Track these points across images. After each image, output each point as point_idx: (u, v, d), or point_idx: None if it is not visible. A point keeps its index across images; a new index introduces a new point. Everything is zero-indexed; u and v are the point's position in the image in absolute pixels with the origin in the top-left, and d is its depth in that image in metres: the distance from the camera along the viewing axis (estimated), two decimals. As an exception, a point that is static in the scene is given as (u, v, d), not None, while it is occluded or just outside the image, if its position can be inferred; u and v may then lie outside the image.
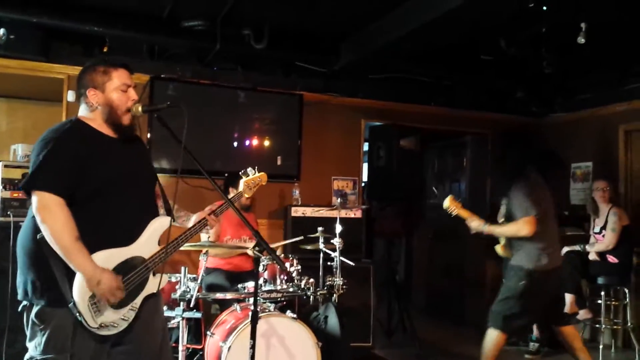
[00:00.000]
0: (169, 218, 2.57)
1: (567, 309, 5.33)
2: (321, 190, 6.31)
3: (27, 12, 4.65)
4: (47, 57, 5.22)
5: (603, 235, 5.35)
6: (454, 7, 4.17)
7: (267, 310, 3.78)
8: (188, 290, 3.60)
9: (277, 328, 3.62)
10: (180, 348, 3.54)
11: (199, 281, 3.68)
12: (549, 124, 7.43)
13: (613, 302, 5.61)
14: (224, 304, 4.23)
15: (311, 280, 4.11)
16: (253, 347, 2.86)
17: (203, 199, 4.60)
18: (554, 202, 4.19)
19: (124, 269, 2.35)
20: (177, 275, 3.71)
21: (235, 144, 6.05)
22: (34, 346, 2.32)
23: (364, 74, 6.40)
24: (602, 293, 5.30)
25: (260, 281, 3.92)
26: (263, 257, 3.80)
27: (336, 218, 4.58)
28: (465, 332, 6.39)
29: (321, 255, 4.49)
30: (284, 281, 4.03)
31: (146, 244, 2.47)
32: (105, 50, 5.33)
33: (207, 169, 2.54)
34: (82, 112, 2.52)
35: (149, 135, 5.53)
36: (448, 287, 7.20)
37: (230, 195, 4.35)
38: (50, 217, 2.22)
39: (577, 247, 5.48)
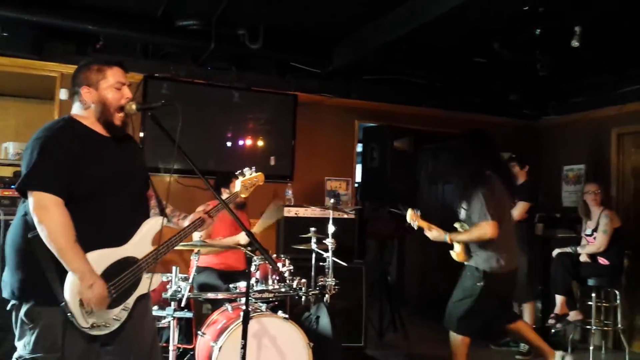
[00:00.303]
0: (162, 218, 2.57)
1: (557, 310, 5.37)
2: (314, 190, 6.30)
3: (21, 9, 4.63)
4: (40, 55, 5.20)
5: (594, 238, 5.37)
6: (448, 10, 4.18)
7: (258, 310, 3.77)
8: (179, 289, 3.60)
9: (268, 328, 3.62)
10: (171, 348, 3.53)
11: (190, 281, 3.67)
12: (542, 127, 7.46)
13: (604, 304, 5.64)
14: (216, 304, 4.23)
15: (303, 280, 4.10)
16: (244, 347, 2.86)
17: (196, 199, 4.58)
18: (510, 206, 4.25)
19: (116, 269, 2.34)
20: (169, 274, 3.70)
21: (229, 143, 6.04)
22: (23, 345, 2.30)
23: (358, 75, 6.41)
24: (593, 295, 5.32)
25: (252, 281, 3.92)
26: (255, 257, 3.80)
27: (329, 218, 4.57)
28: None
29: (313, 255, 4.49)
30: (275, 281, 4.02)
31: (139, 244, 2.46)
32: (98, 48, 5.31)
33: (200, 168, 2.53)
34: (76, 110, 2.51)
35: (142, 134, 5.51)
36: (440, 289, 7.20)
37: (224, 196, 4.35)
38: (48, 217, 2.21)
39: (568, 249, 5.50)
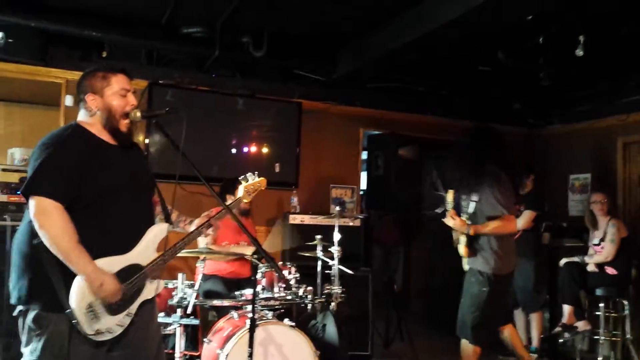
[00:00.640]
0: (167, 225, 2.57)
1: (565, 320, 5.32)
2: (319, 198, 6.29)
3: (26, 16, 4.63)
4: (45, 62, 5.20)
5: (602, 247, 5.34)
6: (452, 19, 4.18)
7: (264, 318, 3.74)
8: (185, 296, 3.57)
9: (274, 336, 3.59)
10: (177, 355, 3.51)
11: (196, 288, 3.65)
12: (548, 135, 7.44)
13: (612, 314, 5.59)
14: (221, 311, 4.20)
15: (309, 288, 4.09)
16: (251, 355, 2.83)
17: (201, 205, 4.57)
18: (514, 204, 4.19)
19: (121, 276, 2.33)
20: (175, 281, 3.68)
21: (233, 150, 6.03)
22: (29, 351, 2.29)
23: (362, 83, 6.40)
24: (601, 304, 5.27)
25: (258, 288, 3.89)
26: (261, 265, 3.78)
27: (334, 226, 4.55)
28: (462, 342, 6.36)
29: (319, 263, 4.47)
30: (281, 289, 4.00)
31: (144, 252, 2.46)
32: (103, 55, 5.31)
33: (204, 175, 2.51)
34: (82, 117, 2.51)
35: (146, 141, 5.50)
36: (446, 297, 7.16)
37: (228, 202, 4.33)
38: (48, 222, 2.20)
39: (575, 259, 5.46)
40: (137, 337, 2.48)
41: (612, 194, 5.88)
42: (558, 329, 5.34)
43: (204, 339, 3.82)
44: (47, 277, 2.21)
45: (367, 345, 5.26)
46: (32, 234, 2.24)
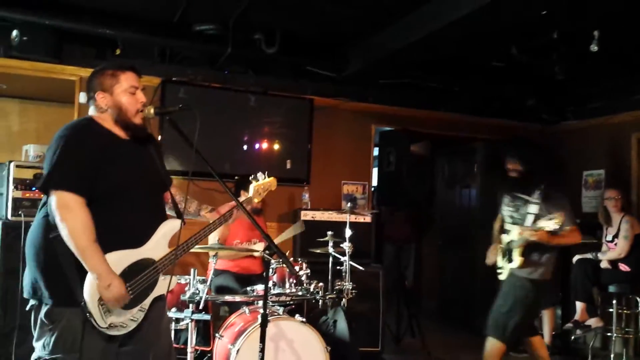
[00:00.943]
0: (179, 221, 2.59)
1: (577, 316, 5.30)
2: (331, 194, 6.29)
3: (40, 14, 4.68)
4: (59, 59, 5.24)
5: (615, 244, 5.30)
6: (465, 14, 4.15)
7: (276, 314, 3.77)
8: (197, 292, 3.60)
9: (286, 332, 3.61)
10: (189, 350, 3.53)
11: (208, 283, 3.68)
12: (561, 131, 7.38)
13: (625, 311, 5.55)
14: (233, 307, 4.23)
15: (320, 284, 4.11)
16: (262, 350, 2.85)
17: (213, 202, 4.59)
18: None
19: (133, 270, 2.35)
20: (187, 277, 3.71)
21: (245, 147, 6.05)
22: (41, 346, 2.31)
23: (374, 79, 6.39)
24: (614, 301, 5.24)
25: (270, 284, 3.91)
26: (273, 260, 3.80)
27: (346, 222, 4.56)
28: (474, 338, 6.32)
29: (330, 259, 4.48)
30: (293, 285, 4.02)
31: (157, 246, 2.47)
32: (117, 53, 5.35)
33: (217, 171, 2.54)
34: (92, 113, 2.53)
35: (159, 138, 5.54)
36: (457, 293, 7.16)
37: (241, 199, 4.35)
38: (70, 216, 2.22)
39: (589, 255, 5.43)
40: (150, 333, 2.50)
41: (625, 190, 5.84)
42: (570, 325, 5.32)
43: (216, 334, 3.86)
44: (61, 272, 2.24)
45: (378, 341, 5.27)
46: (48, 228, 2.27)
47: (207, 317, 3.66)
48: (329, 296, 4.22)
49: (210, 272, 3.86)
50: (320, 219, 5.53)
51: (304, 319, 3.76)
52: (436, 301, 7.71)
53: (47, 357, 2.29)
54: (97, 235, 2.25)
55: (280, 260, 3.51)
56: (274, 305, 3.91)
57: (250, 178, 3.08)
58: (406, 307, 5.93)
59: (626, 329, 5.62)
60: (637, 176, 6.34)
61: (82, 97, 5.37)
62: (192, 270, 3.66)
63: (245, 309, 3.85)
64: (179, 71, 5.73)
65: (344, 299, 4.32)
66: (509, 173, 4.11)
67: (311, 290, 4.04)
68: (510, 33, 4.92)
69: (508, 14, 4.25)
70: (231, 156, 5.90)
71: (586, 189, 6.92)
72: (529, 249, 3.92)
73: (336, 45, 5.67)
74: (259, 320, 3.00)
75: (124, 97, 2.47)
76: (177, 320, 3.61)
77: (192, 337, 3.55)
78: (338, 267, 4.49)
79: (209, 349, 4.00)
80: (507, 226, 4.15)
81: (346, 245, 4.43)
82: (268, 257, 2.74)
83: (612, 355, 5.23)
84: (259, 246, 4.51)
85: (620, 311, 5.43)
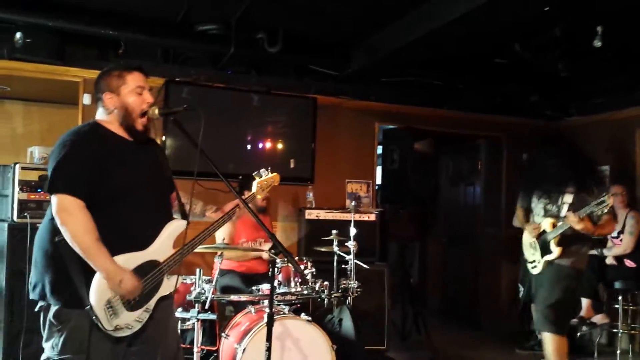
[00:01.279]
0: (184, 221, 2.60)
1: (583, 313, 5.29)
2: (335, 193, 6.29)
3: (43, 15, 4.68)
4: (62, 61, 5.25)
5: (621, 240, 5.29)
6: (468, 11, 4.13)
7: (281, 313, 3.77)
8: (203, 292, 3.61)
9: (291, 330, 3.61)
10: (195, 349, 3.54)
11: (213, 283, 3.69)
12: (564, 128, 7.36)
13: (631, 307, 5.55)
14: (239, 306, 4.23)
15: (325, 283, 4.11)
16: (269, 349, 2.85)
17: (217, 202, 4.60)
18: None
19: (139, 273, 2.37)
20: (192, 277, 3.72)
21: (249, 146, 6.05)
22: (50, 346, 2.33)
23: (377, 77, 6.38)
24: (620, 297, 5.23)
25: (275, 283, 3.91)
26: (278, 260, 3.80)
27: (350, 221, 4.57)
28: (480, 336, 6.36)
29: (335, 258, 4.48)
30: (298, 284, 4.02)
31: (161, 248, 2.49)
32: (120, 53, 5.36)
33: (220, 171, 2.56)
34: (100, 115, 2.55)
35: (163, 138, 5.55)
36: (462, 291, 7.17)
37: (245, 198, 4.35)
38: (70, 219, 2.24)
39: (594, 251, 5.42)
40: (156, 332, 2.51)
41: (631, 186, 5.83)
42: (576, 322, 5.31)
43: (222, 334, 3.87)
44: (69, 274, 2.25)
45: (384, 339, 5.28)
46: (54, 231, 2.28)
47: (213, 316, 3.67)
48: (335, 295, 4.22)
49: (216, 272, 3.87)
50: (325, 218, 5.54)
51: (310, 318, 3.76)
52: (441, 298, 7.71)
53: (56, 358, 2.32)
54: (103, 238, 2.27)
55: (286, 259, 3.51)
56: (279, 305, 3.92)
57: (253, 174, 3.08)
58: (411, 305, 5.93)
59: (632, 325, 5.61)
60: (642, 172, 6.33)
61: (86, 99, 5.38)
62: (197, 270, 3.67)
63: (251, 308, 3.86)
64: (182, 71, 5.73)
65: (349, 298, 4.33)
66: (549, 169, 4.18)
67: (316, 289, 4.04)
68: (511, 31, 4.90)
69: (506, 13, 4.23)
70: (235, 156, 5.90)
71: (591, 185, 6.89)
72: (567, 239, 3.95)
73: (338, 44, 5.66)
74: (265, 320, 3.00)
75: (130, 98, 2.49)
76: (183, 320, 3.62)
77: (198, 337, 3.56)
78: (343, 266, 4.50)
79: (215, 348, 4.01)
80: (537, 219, 4.17)
81: (351, 244, 4.44)
82: (273, 256, 2.75)
83: (618, 352, 5.22)
84: (267, 247, 4.51)
85: (626, 307, 5.43)
